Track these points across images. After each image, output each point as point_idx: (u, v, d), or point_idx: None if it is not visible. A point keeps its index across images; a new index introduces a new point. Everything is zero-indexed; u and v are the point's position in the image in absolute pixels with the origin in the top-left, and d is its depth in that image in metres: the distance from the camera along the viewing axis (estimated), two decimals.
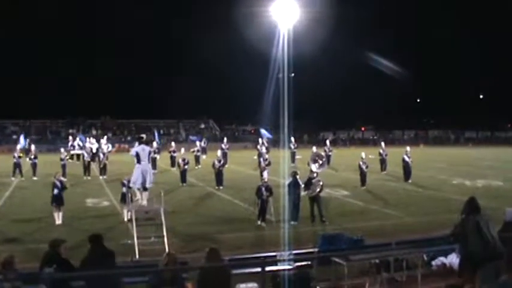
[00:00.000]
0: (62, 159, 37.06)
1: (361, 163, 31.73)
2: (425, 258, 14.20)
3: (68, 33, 73.95)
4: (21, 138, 49.05)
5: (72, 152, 47.01)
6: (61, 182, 21.76)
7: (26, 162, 36.89)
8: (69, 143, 49.58)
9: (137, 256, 15.40)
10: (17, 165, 36.04)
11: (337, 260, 13.00)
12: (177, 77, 74.45)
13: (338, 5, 60.64)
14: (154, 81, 76.51)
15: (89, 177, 36.11)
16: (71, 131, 71.76)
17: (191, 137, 50.81)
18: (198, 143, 45.86)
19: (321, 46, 61.93)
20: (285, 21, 36.78)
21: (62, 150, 38.65)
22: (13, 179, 35.31)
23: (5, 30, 68.12)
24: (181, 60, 78.02)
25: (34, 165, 36.60)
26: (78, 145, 45.65)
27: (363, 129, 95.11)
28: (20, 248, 16.98)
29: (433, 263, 14.25)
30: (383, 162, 38.59)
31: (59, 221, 21.04)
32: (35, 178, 35.49)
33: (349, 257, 13.15)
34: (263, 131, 50.52)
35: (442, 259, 14.14)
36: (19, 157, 36.33)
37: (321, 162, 24.33)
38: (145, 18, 74.70)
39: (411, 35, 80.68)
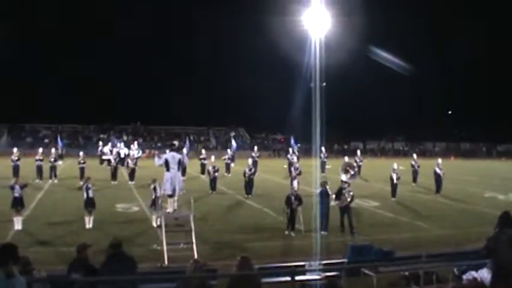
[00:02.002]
0: (79, 163, 37.68)
1: (392, 174, 31.51)
2: (456, 272, 13.96)
3: (101, 42, 74.88)
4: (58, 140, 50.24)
5: (103, 158, 47.47)
6: (88, 186, 21.97)
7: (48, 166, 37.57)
8: (99, 148, 50.06)
9: (166, 262, 15.41)
10: (52, 168, 37.15)
11: (366, 271, 12.91)
12: (207, 85, 74.84)
13: (370, 14, 60.58)
14: (185, 88, 76.86)
15: (115, 182, 36.42)
16: (101, 136, 72.48)
17: (233, 144, 51.14)
18: (228, 150, 45.94)
19: (353, 55, 61.82)
20: (317, 30, 36.72)
21: (81, 153, 39.11)
22: (50, 181, 36.14)
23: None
24: (212, 68, 78.26)
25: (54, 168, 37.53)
26: (110, 150, 45.99)
27: None
28: (51, 251, 17.16)
29: (464, 277, 13.97)
30: (415, 173, 38.30)
31: (89, 225, 21.20)
32: (55, 181, 36.32)
33: (378, 268, 13.05)
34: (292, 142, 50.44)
35: (473, 273, 13.89)
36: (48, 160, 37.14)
37: (352, 172, 24.14)
38: (169, 22, 75.51)
39: (444, 46, 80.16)
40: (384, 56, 70.57)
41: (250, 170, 32.05)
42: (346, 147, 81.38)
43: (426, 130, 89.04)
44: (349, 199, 21.53)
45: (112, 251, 10.16)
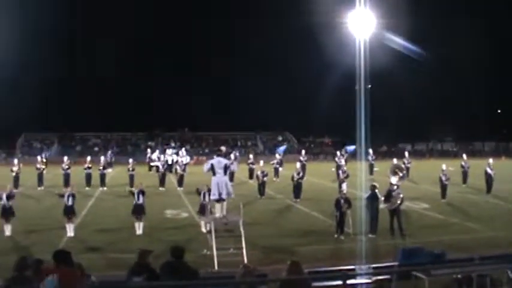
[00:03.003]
0: (129, 170, 38.20)
1: (441, 175, 31.15)
2: (510, 275, 13.71)
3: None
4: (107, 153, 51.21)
5: (151, 164, 47.92)
6: (141, 192, 22.23)
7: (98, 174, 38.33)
8: (148, 155, 50.58)
9: (216, 267, 15.51)
10: (101, 176, 37.89)
11: (418, 274, 12.76)
12: (254, 89, 74.83)
13: (415, 14, 59.99)
14: (231, 94, 77.09)
15: (163, 189, 36.73)
16: (149, 143, 73.17)
17: (278, 150, 51.09)
18: (277, 155, 45.77)
19: (398, 56, 61.32)
20: (362, 32, 36.59)
21: (131, 160, 39.54)
22: (100, 189, 36.80)
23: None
24: (258, 72, 78.19)
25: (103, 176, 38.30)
26: (158, 157, 46.40)
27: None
28: (102, 257, 17.44)
29: None
30: (465, 174, 37.79)
31: (139, 231, 21.48)
32: (105, 189, 36.99)
33: (430, 271, 12.88)
34: (349, 148, 50.05)
35: None
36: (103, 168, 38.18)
37: (401, 174, 23.95)
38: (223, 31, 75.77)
39: (491, 43, 78.74)
40: (431, 56, 69.88)
41: (298, 174, 31.98)
42: (393, 149, 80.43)
43: (475, 130, 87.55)
44: (398, 201, 21.39)
45: (172, 260, 10.29)
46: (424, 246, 16.50)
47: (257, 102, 72.67)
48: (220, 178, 17.82)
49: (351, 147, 48.09)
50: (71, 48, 73.34)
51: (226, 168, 18.03)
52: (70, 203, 21.61)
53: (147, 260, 10.56)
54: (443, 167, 31.98)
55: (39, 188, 36.91)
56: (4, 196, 21.71)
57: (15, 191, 27.71)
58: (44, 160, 39.94)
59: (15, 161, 39.09)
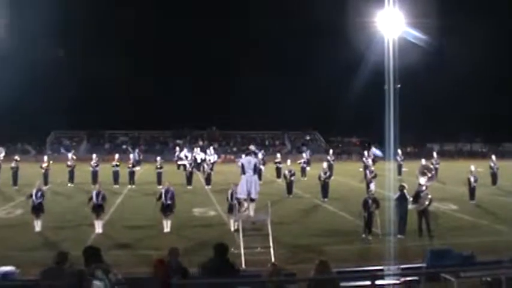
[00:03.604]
0: (157, 168, 38.47)
1: (470, 176, 30.84)
2: None
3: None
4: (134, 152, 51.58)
5: (179, 163, 48.13)
6: (168, 191, 22.37)
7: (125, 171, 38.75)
8: (176, 153, 50.79)
9: (243, 266, 15.51)
10: (130, 174, 38.42)
11: (446, 276, 12.67)
12: (281, 88, 74.82)
13: (445, 14, 59.60)
14: (260, 94, 77.11)
15: (190, 187, 36.88)
16: (178, 141, 73.46)
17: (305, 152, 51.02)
18: (304, 154, 45.84)
19: (427, 55, 60.91)
20: (391, 31, 36.40)
21: (159, 159, 39.70)
22: (129, 186, 37.11)
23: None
24: (286, 71, 78.22)
25: (132, 174, 38.73)
26: (185, 156, 46.57)
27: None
28: (131, 253, 17.56)
29: None
30: (494, 175, 37.43)
31: (167, 229, 21.61)
32: (133, 186, 37.31)
33: (459, 273, 12.78)
34: (375, 150, 49.77)
35: None
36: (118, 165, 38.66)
37: (429, 175, 23.78)
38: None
39: None
40: (459, 55, 69.32)
41: (325, 173, 31.92)
42: (416, 150, 79.91)
43: (505, 130, 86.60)
44: (427, 202, 21.24)
45: (214, 258, 10.33)
46: (452, 248, 16.39)
47: (285, 102, 72.69)
48: (250, 177, 17.88)
49: (378, 152, 47.79)
50: (99, 47, 73.86)
51: (256, 167, 18.11)
52: (100, 201, 21.86)
53: (178, 259, 10.61)
54: (472, 168, 31.66)
55: (69, 185, 37.43)
56: (33, 192, 22.08)
57: (44, 187, 28.18)
58: (74, 157, 40.41)
59: (45, 158, 39.75)
